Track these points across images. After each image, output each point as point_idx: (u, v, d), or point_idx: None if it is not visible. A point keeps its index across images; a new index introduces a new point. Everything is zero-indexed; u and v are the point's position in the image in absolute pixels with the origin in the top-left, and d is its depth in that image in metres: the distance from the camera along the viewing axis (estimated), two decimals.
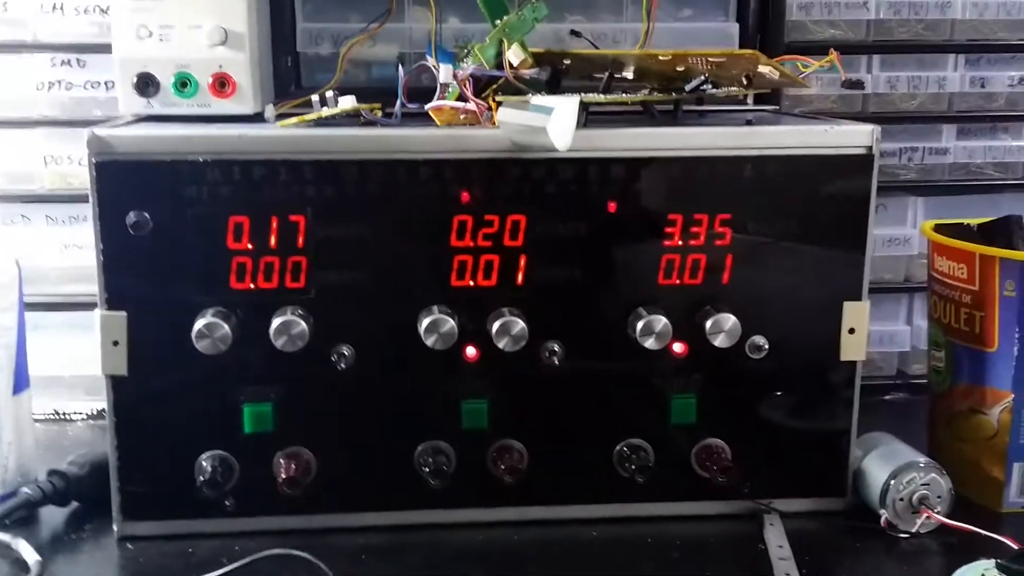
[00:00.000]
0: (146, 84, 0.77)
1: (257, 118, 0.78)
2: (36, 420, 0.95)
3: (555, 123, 0.67)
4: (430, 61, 0.79)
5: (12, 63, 0.95)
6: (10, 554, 0.71)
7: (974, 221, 0.86)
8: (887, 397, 1.04)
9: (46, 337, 0.95)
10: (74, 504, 0.78)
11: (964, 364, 0.81)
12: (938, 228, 0.85)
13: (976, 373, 0.79)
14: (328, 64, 0.93)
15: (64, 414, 0.99)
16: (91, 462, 0.78)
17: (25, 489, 0.75)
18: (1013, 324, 0.77)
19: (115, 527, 0.74)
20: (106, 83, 0.95)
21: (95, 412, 0.98)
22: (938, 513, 0.74)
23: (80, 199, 0.96)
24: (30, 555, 0.70)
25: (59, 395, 0.98)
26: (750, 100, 0.96)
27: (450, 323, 0.72)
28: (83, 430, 0.97)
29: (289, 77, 0.94)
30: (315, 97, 0.76)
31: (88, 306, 0.90)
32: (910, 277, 1.04)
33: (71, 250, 0.96)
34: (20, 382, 0.78)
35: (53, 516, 0.77)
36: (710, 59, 0.74)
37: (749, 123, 0.78)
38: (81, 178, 0.95)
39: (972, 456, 0.80)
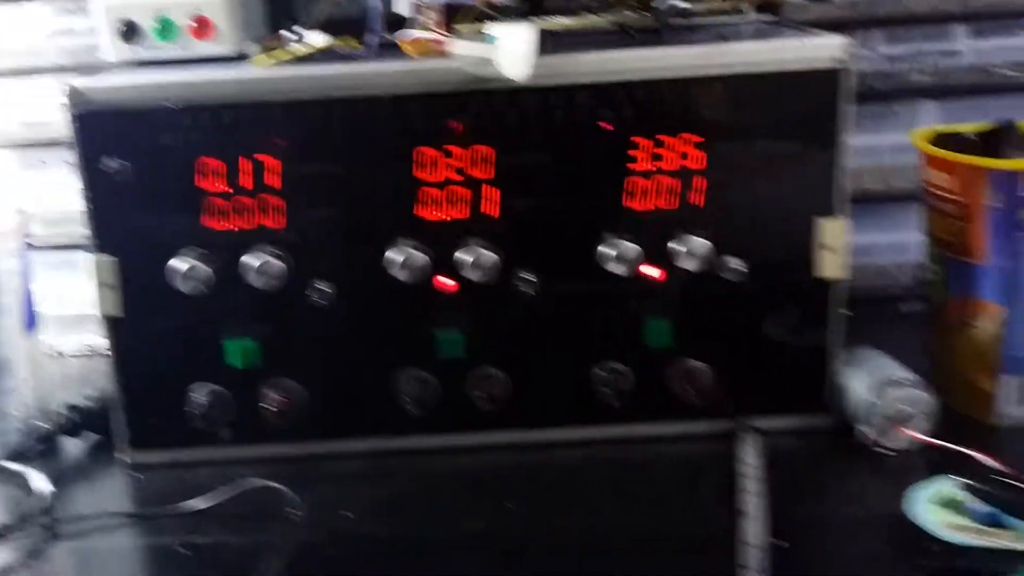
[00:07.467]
0: (130, 31, 0.79)
1: (241, 59, 0.79)
2: (73, 356, 1.01)
3: (504, 53, 0.67)
4: None
5: (22, 13, 0.99)
6: (24, 483, 0.76)
7: (972, 128, 0.83)
8: (902, 308, 1.02)
9: (77, 277, 0.99)
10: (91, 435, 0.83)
11: (956, 277, 0.79)
12: (939, 136, 0.82)
13: (967, 286, 0.78)
14: None
15: (96, 349, 1.03)
16: (105, 396, 0.82)
17: (40, 423, 0.80)
18: (1001, 235, 0.75)
19: (123, 456, 0.79)
20: None
21: None
22: (922, 430, 0.74)
23: None
24: (43, 484, 0.75)
25: (91, 331, 1.02)
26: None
27: (421, 256, 0.73)
28: None
29: (286, 11, 0.93)
30: (285, 33, 0.78)
31: None
32: None
33: None
34: (29, 322, 0.82)
35: (69, 447, 0.83)
36: None
37: (723, 38, 0.76)
38: None
39: (964, 370, 0.79)
